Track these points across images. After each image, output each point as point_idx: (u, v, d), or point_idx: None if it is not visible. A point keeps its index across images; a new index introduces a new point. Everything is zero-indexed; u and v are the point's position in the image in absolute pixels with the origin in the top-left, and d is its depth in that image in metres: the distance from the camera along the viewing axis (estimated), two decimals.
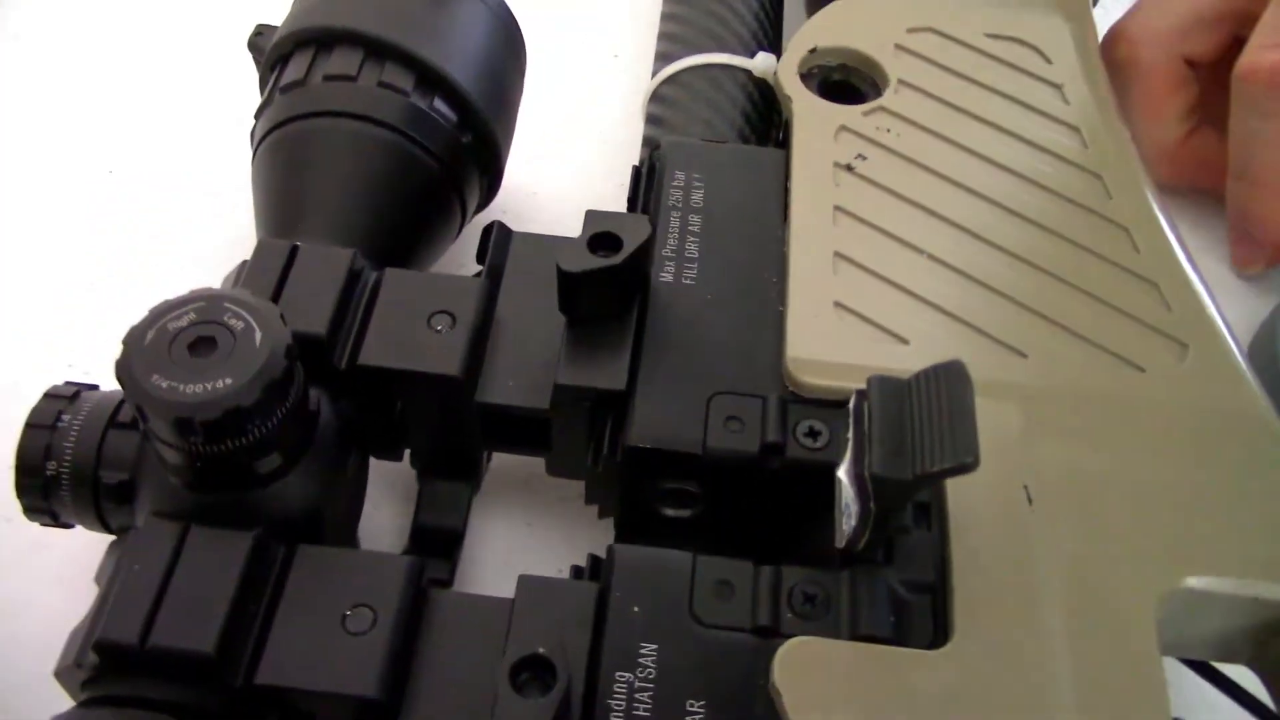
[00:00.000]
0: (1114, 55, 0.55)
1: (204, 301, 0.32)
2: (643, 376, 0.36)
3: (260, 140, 0.42)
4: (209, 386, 0.30)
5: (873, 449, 0.29)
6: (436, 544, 0.40)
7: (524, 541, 0.43)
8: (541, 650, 0.28)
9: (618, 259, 0.36)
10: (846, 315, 0.37)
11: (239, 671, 0.30)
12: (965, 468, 0.28)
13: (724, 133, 0.47)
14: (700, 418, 0.35)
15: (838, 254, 0.39)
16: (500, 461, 0.44)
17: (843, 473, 0.31)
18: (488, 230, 0.41)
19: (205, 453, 0.31)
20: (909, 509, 0.31)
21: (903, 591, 0.32)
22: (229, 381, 0.30)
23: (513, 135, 0.48)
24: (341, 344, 0.36)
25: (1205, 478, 0.35)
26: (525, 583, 0.32)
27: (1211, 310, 0.39)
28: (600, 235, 0.36)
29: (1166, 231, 0.41)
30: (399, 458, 0.40)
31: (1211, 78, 0.56)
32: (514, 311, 0.39)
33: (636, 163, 0.45)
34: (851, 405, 0.31)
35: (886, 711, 0.30)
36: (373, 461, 0.40)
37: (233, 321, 0.31)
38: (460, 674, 0.31)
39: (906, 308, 0.38)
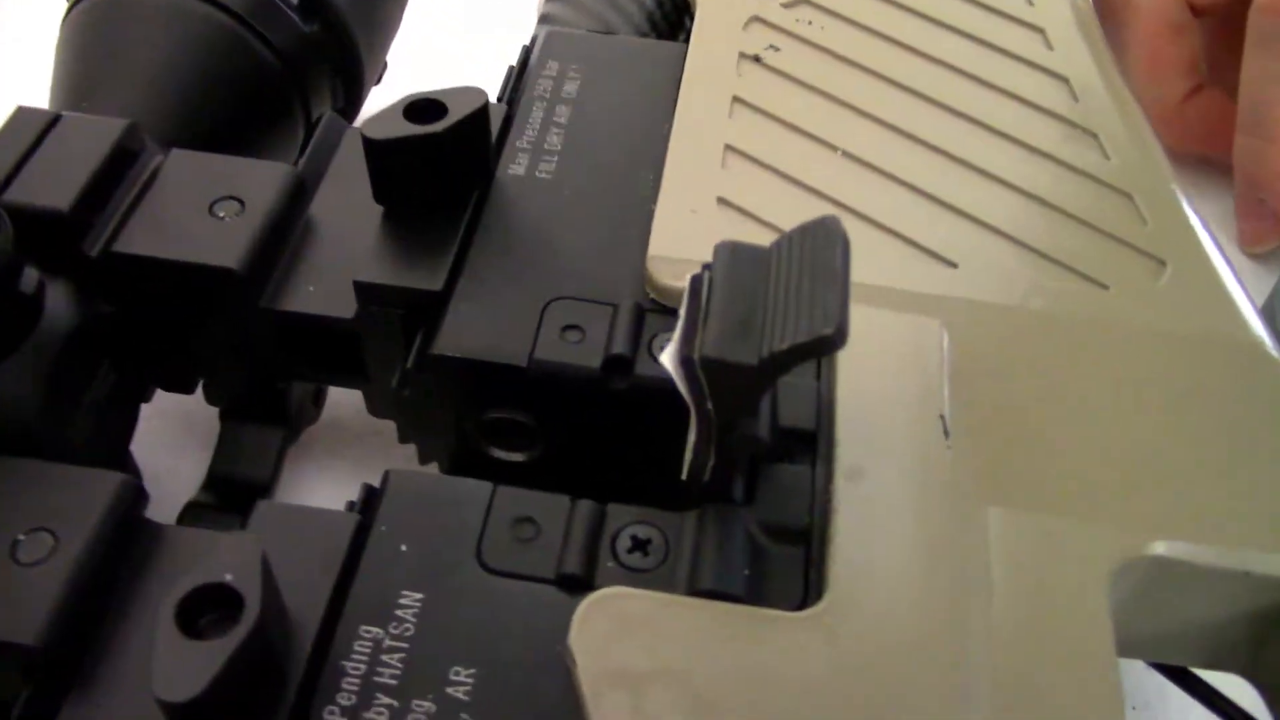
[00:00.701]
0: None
1: None
2: (466, 276, 0.29)
3: (68, 10, 0.36)
4: None
5: (708, 325, 0.22)
6: (235, 497, 0.33)
7: None
8: (229, 578, 0.20)
9: (438, 127, 0.28)
10: (732, 212, 0.30)
11: None
12: (824, 343, 0.20)
13: (621, 30, 0.40)
14: (531, 326, 0.28)
15: (729, 147, 0.32)
16: (340, 407, 0.36)
17: (668, 360, 0.23)
18: (317, 120, 0.34)
19: None
20: (764, 421, 0.23)
21: (763, 539, 0.24)
22: None
23: (388, 35, 0.41)
24: (98, 229, 0.29)
25: (1182, 417, 0.27)
26: (262, 510, 0.24)
27: (1197, 226, 0.31)
28: (421, 103, 0.29)
29: (1149, 140, 0.33)
30: (190, 389, 0.33)
31: (1220, 31, 0.48)
32: (333, 211, 0.32)
33: None
34: (688, 280, 0.23)
35: (723, 690, 0.22)
36: (180, 404, 0.33)
37: None
38: None
39: (809, 206, 0.30)
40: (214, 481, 0.33)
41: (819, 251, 0.22)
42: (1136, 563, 0.25)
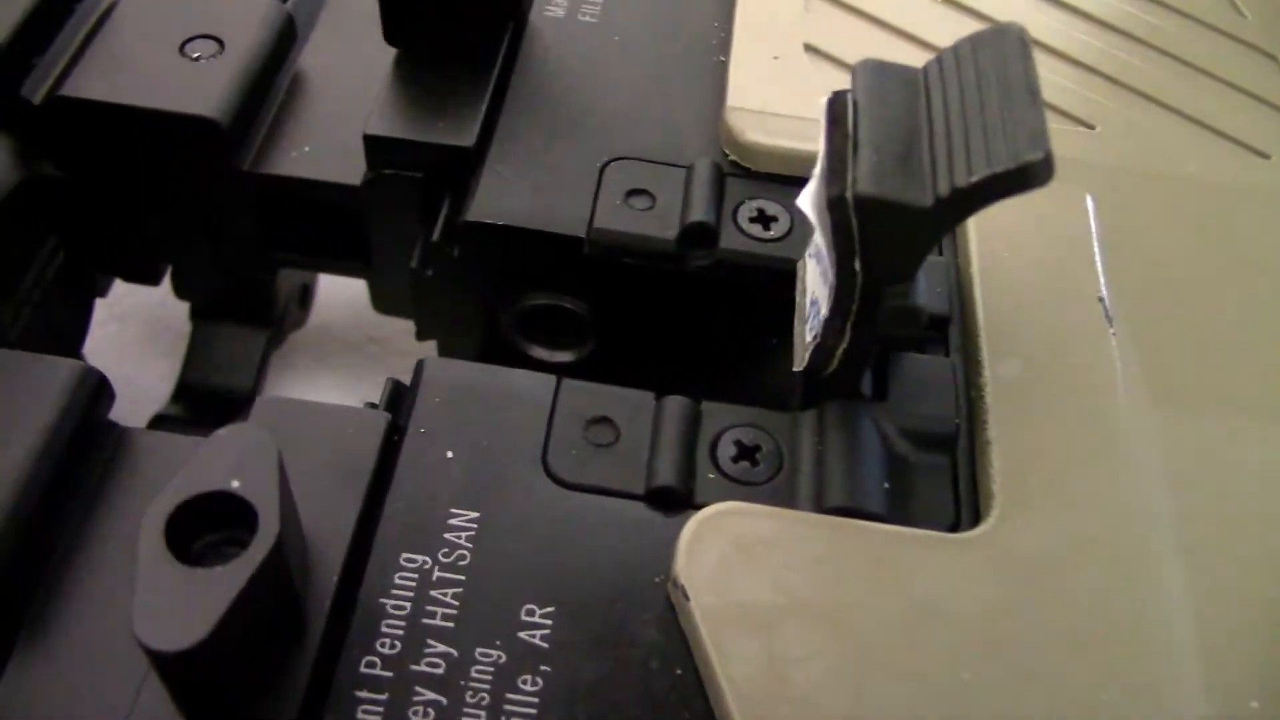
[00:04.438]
0: None
1: None
2: (504, 131, 0.23)
3: None
4: None
5: (859, 158, 0.17)
6: (210, 409, 0.27)
7: None
8: (236, 485, 0.15)
9: None
10: (821, 60, 0.25)
11: None
12: (1030, 173, 0.15)
13: None
14: (587, 190, 0.22)
15: None
16: (329, 310, 0.31)
17: (807, 205, 0.18)
18: None
19: None
20: (918, 290, 0.18)
21: (903, 445, 0.19)
22: None
23: None
24: (42, 70, 0.23)
25: None
26: (265, 406, 0.19)
27: None
28: None
29: None
30: (155, 280, 0.27)
31: None
32: (328, 59, 0.26)
33: None
34: (827, 103, 0.18)
35: (874, 630, 0.17)
36: (141, 300, 0.27)
37: None
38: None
39: (909, 56, 0.25)
40: (185, 391, 0.27)
41: (1001, 64, 0.17)
42: None
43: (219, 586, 0.14)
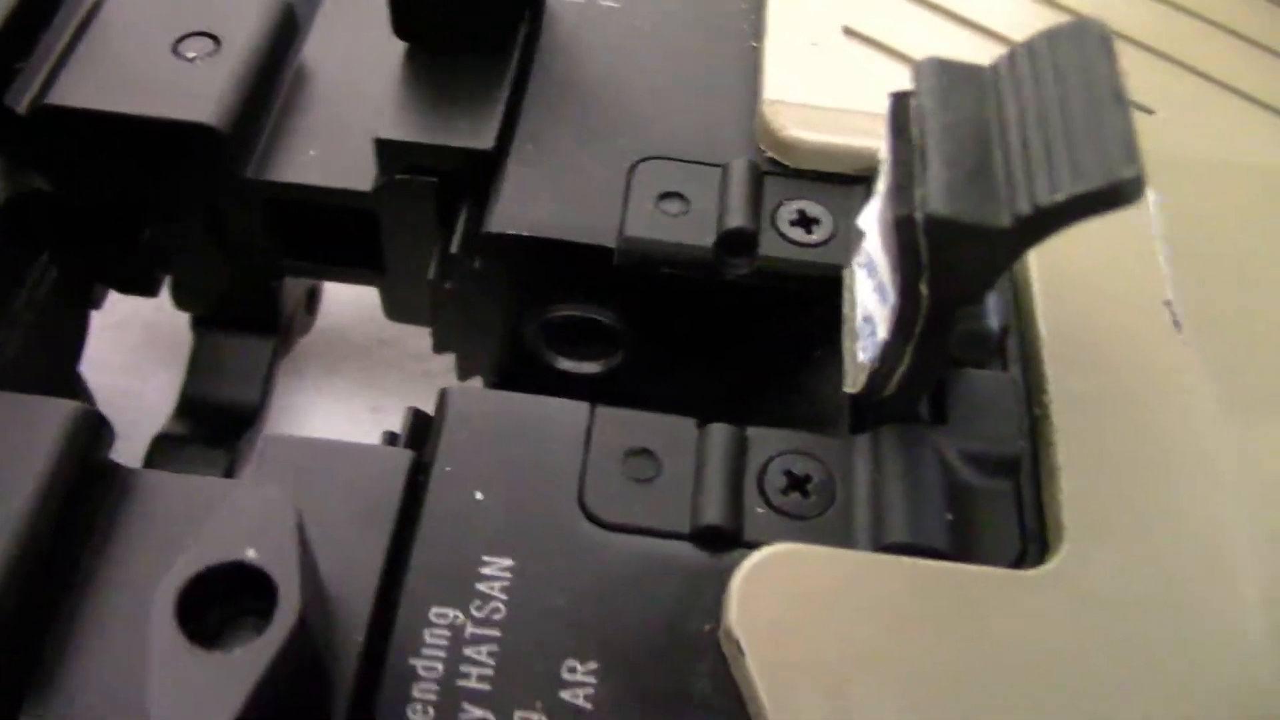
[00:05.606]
0: None
1: None
2: (525, 132, 0.22)
3: None
4: None
5: (929, 173, 0.15)
6: (216, 425, 0.26)
7: (367, 433, 0.28)
8: (251, 556, 0.14)
9: None
10: (863, 46, 0.23)
11: None
12: (1122, 191, 0.14)
13: None
14: (616, 194, 0.21)
15: None
16: (337, 314, 0.29)
17: (867, 236, 0.16)
18: None
19: None
20: (988, 310, 0.17)
21: (965, 471, 0.18)
22: None
23: None
24: (26, 78, 0.22)
25: None
26: (273, 448, 0.18)
27: None
28: None
29: None
30: (154, 290, 0.25)
31: None
32: (333, 54, 0.25)
33: None
34: (889, 109, 0.16)
35: (946, 678, 0.15)
36: (138, 311, 0.26)
37: None
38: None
39: (957, 39, 0.23)
40: (189, 406, 0.26)
41: (1084, 65, 0.15)
42: None
43: (239, 671, 0.13)
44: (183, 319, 0.27)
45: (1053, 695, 0.16)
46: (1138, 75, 0.23)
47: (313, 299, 0.29)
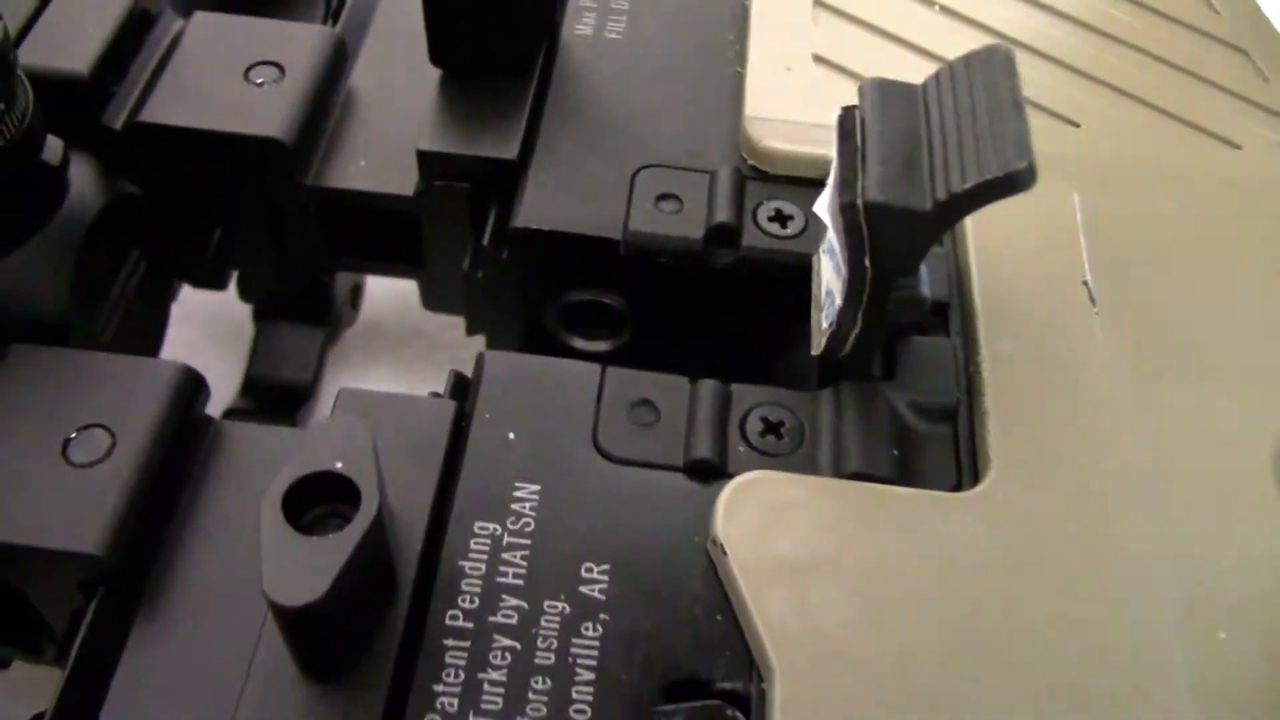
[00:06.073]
0: None
1: None
2: (544, 144, 0.26)
3: None
4: None
5: (867, 169, 0.19)
6: (275, 401, 0.29)
7: None
8: (340, 466, 0.17)
9: None
10: (829, 69, 0.27)
11: None
12: (1017, 179, 0.18)
13: None
14: (622, 195, 0.25)
15: (818, 2, 0.29)
16: (376, 309, 0.33)
17: (829, 228, 0.20)
18: None
19: None
20: (921, 280, 0.20)
21: (910, 417, 0.22)
22: None
23: None
24: (120, 99, 0.26)
25: None
26: (348, 397, 0.22)
27: None
28: None
29: None
30: (223, 285, 0.29)
31: None
32: (376, 80, 0.29)
33: None
34: (838, 119, 0.20)
35: (888, 579, 0.19)
36: (202, 306, 0.30)
37: None
38: (243, 532, 0.21)
39: (910, 64, 0.27)
40: (252, 386, 0.30)
41: (991, 81, 0.19)
42: None
43: (332, 551, 0.17)
44: (237, 312, 0.31)
45: (970, 585, 0.19)
46: (1066, 93, 0.27)
47: (356, 295, 0.33)
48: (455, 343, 0.33)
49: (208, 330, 0.32)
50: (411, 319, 0.33)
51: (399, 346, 0.33)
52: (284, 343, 0.30)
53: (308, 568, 0.17)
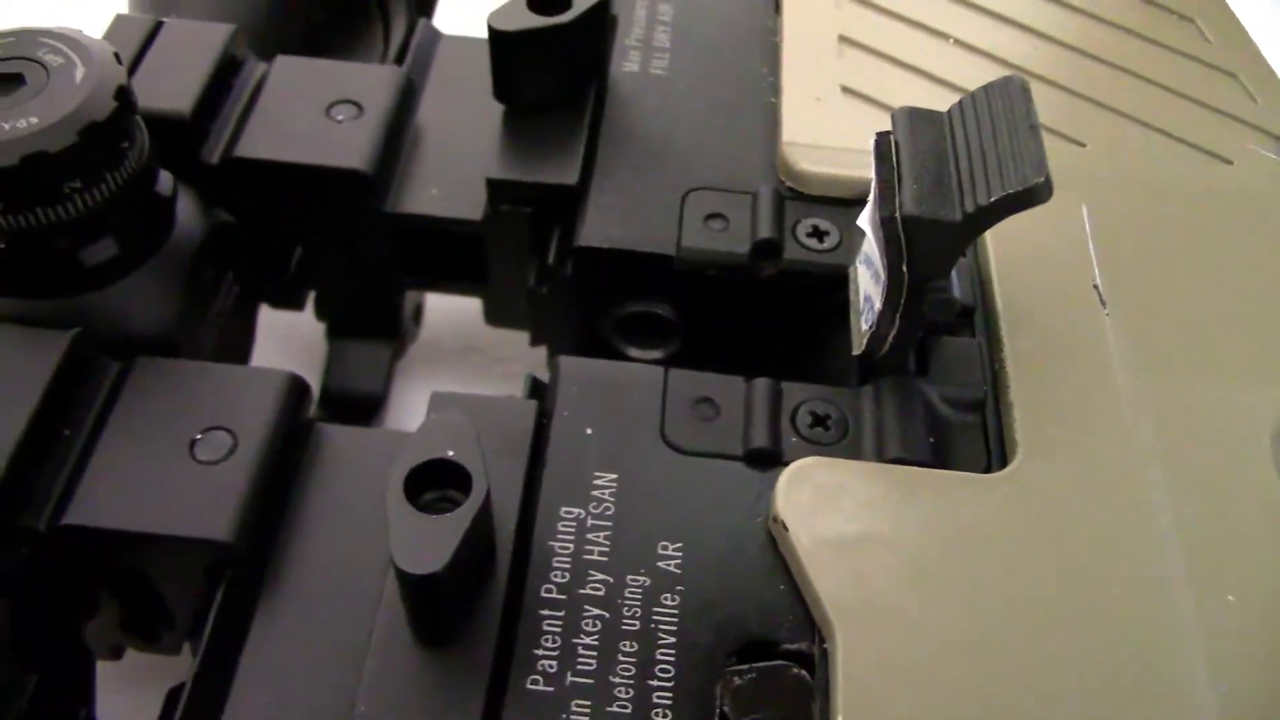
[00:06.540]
0: None
1: (14, 37, 0.24)
2: (600, 170, 0.28)
3: None
4: (7, 126, 0.22)
5: (903, 186, 0.22)
6: (349, 412, 0.32)
7: None
8: (451, 454, 0.20)
9: (565, 18, 0.28)
10: (856, 99, 0.30)
11: (41, 510, 0.22)
12: (1035, 192, 0.20)
13: None
14: (673, 215, 0.27)
15: (843, 37, 0.31)
16: (436, 327, 0.36)
17: (866, 239, 0.23)
18: (411, 29, 0.33)
19: (12, 228, 0.23)
20: (952, 284, 0.23)
21: (943, 408, 0.24)
22: (34, 121, 0.22)
23: None
24: (214, 136, 0.28)
25: None
26: (440, 399, 0.24)
27: None
28: None
29: (1236, 19, 0.33)
30: (300, 305, 0.32)
31: None
32: (439, 118, 0.31)
33: None
34: (874, 144, 0.23)
35: (928, 551, 0.22)
36: (278, 321, 0.32)
37: (49, 57, 0.24)
38: (349, 521, 0.23)
39: (929, 93, 0.30)
40: (328, 397, 0.32)
41: (1009, 107, 0.22)
42: None
43: (450, 527, 0.19)
44: (306, 331, 0.34)
45: (999, 556, 0.22)
46: (1072, 116, 0.30)
47: (419, 313, 0.36)
48: (508, 357, 0.36)
49: (277, 346, 0.35)
50: (468, 335, 0.35)
51: (457, 361, 0.36)
52: (355, 357, 0.33)
53: (430, 542, 0.19)
